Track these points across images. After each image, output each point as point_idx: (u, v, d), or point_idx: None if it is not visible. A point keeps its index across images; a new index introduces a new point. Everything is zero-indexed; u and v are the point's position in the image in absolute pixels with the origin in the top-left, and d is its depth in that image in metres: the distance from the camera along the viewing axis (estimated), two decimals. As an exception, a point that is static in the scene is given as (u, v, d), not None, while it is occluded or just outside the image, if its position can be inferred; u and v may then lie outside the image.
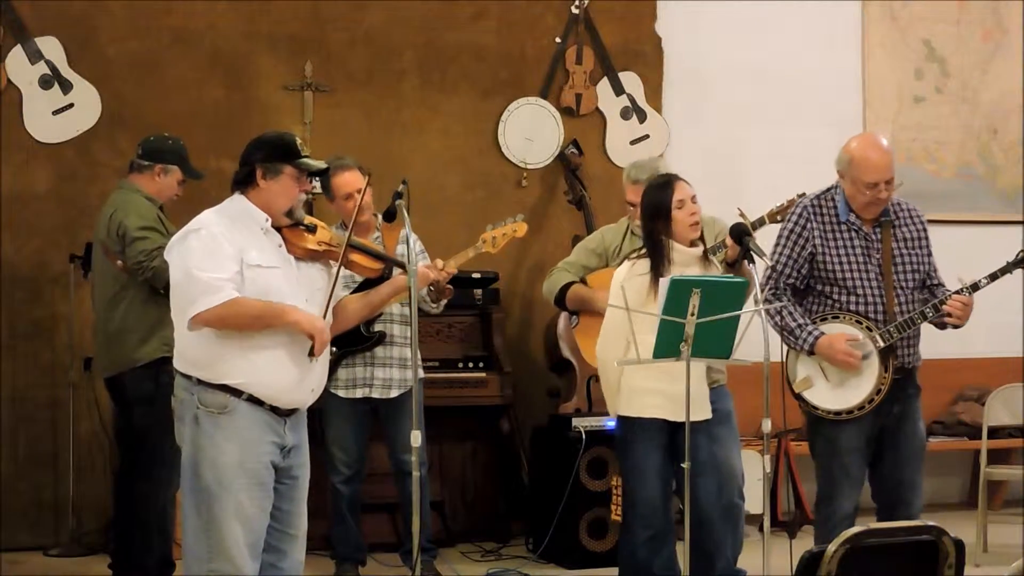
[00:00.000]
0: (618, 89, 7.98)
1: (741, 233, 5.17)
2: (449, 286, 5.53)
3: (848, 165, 5.24)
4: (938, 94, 8.53)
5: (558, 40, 7.90)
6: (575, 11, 7.91)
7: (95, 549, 6.93)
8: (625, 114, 7.99)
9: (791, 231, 5.33)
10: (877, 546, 3.77)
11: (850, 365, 5.19)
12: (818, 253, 5.28)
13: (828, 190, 5.37)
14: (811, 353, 5.24)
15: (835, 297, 5.28)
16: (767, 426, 4.90)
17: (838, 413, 5.24)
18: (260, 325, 4.28)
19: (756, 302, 4.87)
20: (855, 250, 5.28)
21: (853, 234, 5.29)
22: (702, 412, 5.22)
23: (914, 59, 8.50)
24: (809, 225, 5.30)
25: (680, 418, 5.03)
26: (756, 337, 4.83)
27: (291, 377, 4.36)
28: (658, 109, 8.05)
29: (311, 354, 4.34)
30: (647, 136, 8.00)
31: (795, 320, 5.26)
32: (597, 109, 7.97)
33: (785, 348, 5.29)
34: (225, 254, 4.26)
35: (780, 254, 5.33)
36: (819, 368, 5.26)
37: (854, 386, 5.22)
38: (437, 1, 7.74)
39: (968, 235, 8.33)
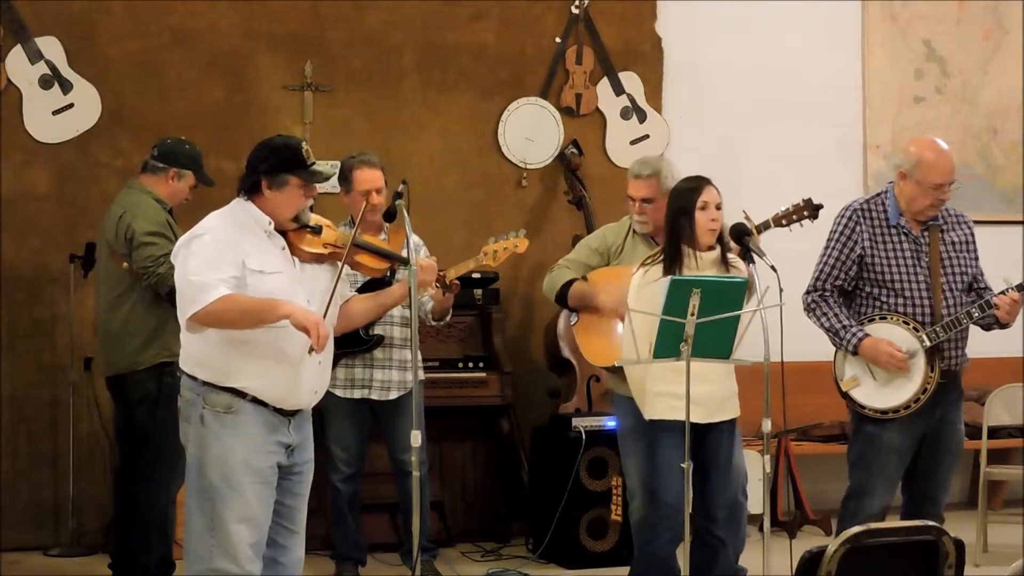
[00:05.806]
0: (618, 89, 7.97)
1: (741, 233, 5.17)
2: (448, 289, 5.52)
3: (914, 167, 5.31)
4: (938, 94, 8.53)
5: (558, 40, 7.89)
6: (575, 11, 7.90)
7: (95, 549, 6.93)
8: (625, 114, 7.99)
9: (840, 234, 5.42)
10: (877, 546, 3.77)
11: (896, 367, 5.26)
12: (866, 255, 5.37)
13: (878, 195, 5.46)
14: (855, 353, 5.33)
15: (883, 299, 5.37)
16: (767, 426, 4.92)
17: (884, 412, 5.31)
18: (253, 320, 4.26)
19: (759, 301, 4.88)
20: (904, 253, 5.36)
21: (903, 237, 5.38)
22: (730, 411, 5.29)
23: (914, 59, 8.49)
24: (858, 228, 5.39)
25: (703, 419, 5.12)
26: (756, 337, 4.83)
27: (288, 380, 4.36)
28: (658, 109, 8.04)
29: (311, 350, 4.28)
30: (647, 136, 7.99)
31: (840, 321, 5.36)
32: (597, 109, 7.96)
33: (832, 348, 5.43)
34: (224, 259, 4.26)
35: (828, 255, 5.43)
36: (867, 367, 5.34)
37: (901, 385, 5.30)
38: (437, 1, 7.74)
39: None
